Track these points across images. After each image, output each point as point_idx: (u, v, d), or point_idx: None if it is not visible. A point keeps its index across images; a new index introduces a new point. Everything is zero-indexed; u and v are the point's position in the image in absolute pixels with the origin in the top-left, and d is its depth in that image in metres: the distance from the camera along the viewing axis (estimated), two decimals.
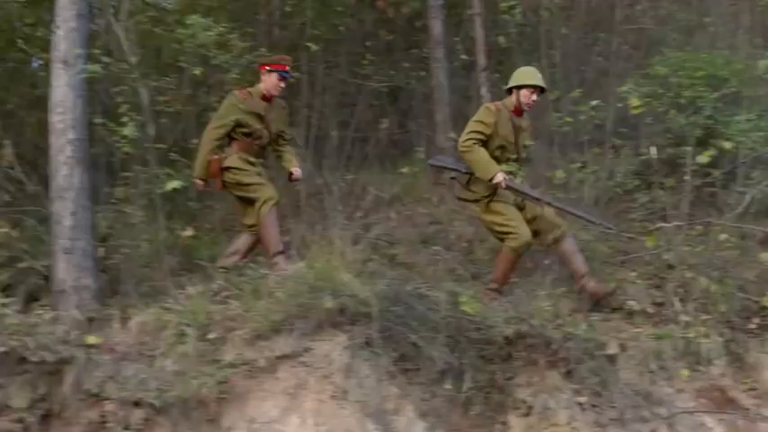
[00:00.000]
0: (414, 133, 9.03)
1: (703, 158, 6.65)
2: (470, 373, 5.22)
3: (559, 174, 6.84)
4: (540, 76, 6.10)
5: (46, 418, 5.15)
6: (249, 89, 6.26)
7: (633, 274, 6.12)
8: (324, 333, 5.16)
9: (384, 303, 5.23)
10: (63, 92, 5.77)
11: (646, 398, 5.23)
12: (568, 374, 5.22)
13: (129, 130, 5.51)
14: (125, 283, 5.72)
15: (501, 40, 9.10)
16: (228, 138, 6.21)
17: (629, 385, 5.29)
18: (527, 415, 5.13)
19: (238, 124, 6.14)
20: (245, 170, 6.11)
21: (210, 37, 6.19)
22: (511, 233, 5.87)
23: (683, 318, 5.70)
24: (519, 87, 6.08)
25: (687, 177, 6.30)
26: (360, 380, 5.08)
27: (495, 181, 5.87)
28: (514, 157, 6.13)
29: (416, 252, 7.07)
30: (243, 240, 6.25)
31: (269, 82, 6.22)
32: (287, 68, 6.23)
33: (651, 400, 5.23)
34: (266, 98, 6.25)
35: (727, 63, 7.56)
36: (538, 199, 5.98)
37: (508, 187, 5.91)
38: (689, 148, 6.58)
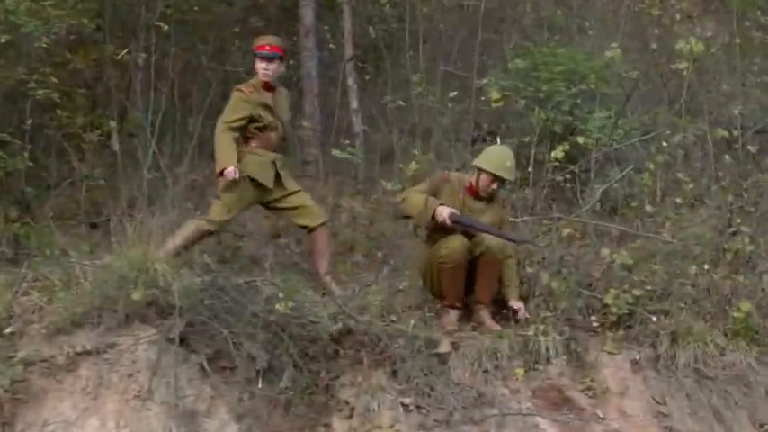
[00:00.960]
0: None
1: (557, 154, 6.51)
2: (292, 372, 4.87)
3: (413, 166, 6.57)
4: (508, 164, 5.52)
5: None
6: (252, 82, 5.94)
7: None
8: (131, 328, 4.76)
9: (198, 296, 4.86)
10: None
11: (477, 398, 4.98)
12: (395, 374, 4.93)
13: None
14: None
15: (370, 30, 8.82)
16: (244, 139, 5.86)
17: (461, 385, 5.02)
18: (350, 417, 4.81)
19: (251, 119, 5.80)
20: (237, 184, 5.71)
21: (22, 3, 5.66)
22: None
23: (524, 315, 5.49)
24: (481, 169, 5.55)
25: (530, 170, 6.11)
26: (168, 378, 4.69)
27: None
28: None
29: (264, 245, 6.74)
30: (316, 242, 5.95)
31: (257, 67, 5.91)
32: (265, 48, 5.84)
33: (483, 401, 4.98)
34: (268, 87, 5.92)
35: (587, 59, 7.45)
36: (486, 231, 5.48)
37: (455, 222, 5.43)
38: (534, 142, 6.45)
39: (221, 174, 5.63)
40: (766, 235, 6.44)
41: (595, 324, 5.66)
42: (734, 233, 6.41)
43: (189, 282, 4.93)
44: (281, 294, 4.90)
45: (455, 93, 7.25)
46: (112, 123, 7.10)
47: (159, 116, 6.98)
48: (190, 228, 5.74)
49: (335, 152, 7.14)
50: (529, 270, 5.73)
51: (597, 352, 5.44)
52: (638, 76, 7.62)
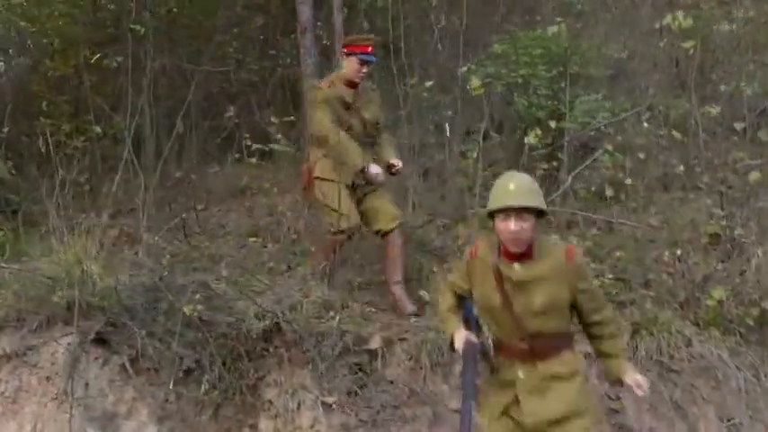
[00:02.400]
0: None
1: (531, 139, 6.26)
2: (218, 373, 4.75)
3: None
4: (512, 187, 3.37)
5: None
6: (331, 77, 5.73)
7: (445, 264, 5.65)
8: (52, 330, 4.72)
9: (120, 297, 4.78)
10: None
11: (410, 396, 4.76)
12: (322, 373, 4.74)
13: None
14: None
15: (365, 25, 8.69)
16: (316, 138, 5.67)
17: (394, 383, 4.81)
18: (275, 417, 4.66)
19: None
20: (331, 180, 5.54)
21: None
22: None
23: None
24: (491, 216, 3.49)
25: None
26: (87, 380, 4.64)
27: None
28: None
29: (236, 244, 6.67)
30: (387, 247, 5.59)
31: (350, 67, 5.59)
32: (369, 50, 5.55)
33: (417, 399, 4.75)
34: (351, 84, 5.62)
35: (572, 40, 7.13)
36: None
37: None
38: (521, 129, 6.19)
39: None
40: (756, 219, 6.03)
41: None
42: (725, 217, 6.04)
43: (113, 283, 4.84)
44: (197, 296, 4.76)
45: (431, 82, 7.00)
46: (97, 129, 7.15)
47: (135, 119, 6.98)
48: (325, 244, 5.61)
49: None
50: None
51: None
52: (627, 55, 7.23)
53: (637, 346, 5.15)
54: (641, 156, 6.40)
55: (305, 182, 5.70)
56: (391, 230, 5.48)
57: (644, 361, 5.12)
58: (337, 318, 4.91)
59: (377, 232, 5.58)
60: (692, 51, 7.05)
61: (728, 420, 5.03)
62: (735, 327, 5.37)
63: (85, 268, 4.91)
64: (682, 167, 6.56)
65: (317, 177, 5.59)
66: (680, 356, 5.18)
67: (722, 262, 5.65)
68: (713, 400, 5.10)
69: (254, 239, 6.68)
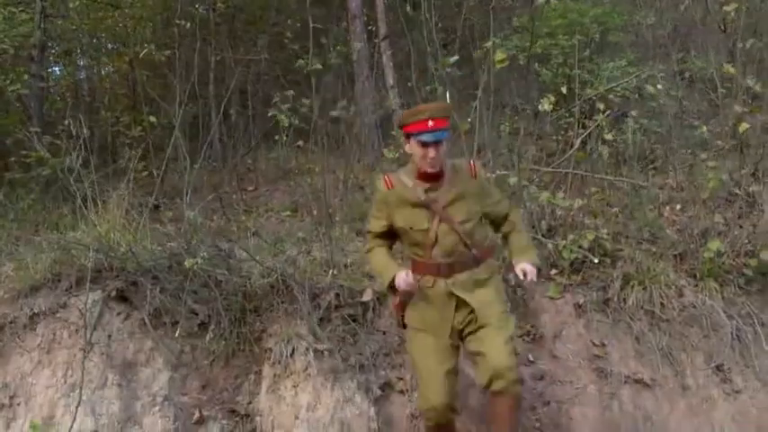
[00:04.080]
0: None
1: (545, 105, 6.45)
2: (227, 326, 5.21)
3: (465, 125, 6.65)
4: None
5: None
6: (403, 169, 4.15)
7: None
8: (81, 289, 5.28)
9: (143, 261, 5.32)
10: None
11: (401, 344, 5.09)
12: (319, 323, 5.14)
13: None
14: None
15: (408, 9, 9.01)
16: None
17: (386, 333, 5.17)
18: (275, 363, 5.10)
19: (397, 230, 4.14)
20: (413, 328, 4.19)
21: None
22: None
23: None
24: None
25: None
26: (110, 333, 5.19)
27: None
28: None
29: (275, 220, 7.17)
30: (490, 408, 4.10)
31: (414, 154, 3.97)
32: (428, 126, 3.81)
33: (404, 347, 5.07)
34: (427, 176, 3.96)
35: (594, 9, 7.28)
36: None
37: None
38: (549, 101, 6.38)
39: (392, 289, 4.12)
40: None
41: (553, 272, 5.56)
42: (752, 174, 6.11)
43: (135, 248, 5.39)
44: (203, 255, 5.24)
45: (456, 58, 7.26)
46: (152, 119, 7.78)
47: (182, 108, 7.54)
48: None
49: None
50: None
51: (540, 298, 5.37)
52: (655, 22, 7.31)
53: (626, 298, 5.30)
54: (666, 120, 6.48)
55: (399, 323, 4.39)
56: (496, 391, 3.91)
57: (633, 311, 5.27)
58: (332, 273, 5.27)
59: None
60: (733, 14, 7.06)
61: (717, 367, 5.11)
62: (733, 278, 5.43)
63: (113, 236, 5.46)
64: (706, 129, 6.59)
65: (404, 322, 4.29)
66: (671, 306, 5.30)
67: (723, 216, 5.69)
68: (702, 347, 5.20)
69: (289, 213, 7.15)
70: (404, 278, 3.97)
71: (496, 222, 4.27)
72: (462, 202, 4.01)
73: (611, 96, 6.69)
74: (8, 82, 6.75)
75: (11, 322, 5.32)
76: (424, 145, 3.88)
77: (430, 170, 3.93)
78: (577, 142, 6.29)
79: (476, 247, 4.08)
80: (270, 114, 7.20)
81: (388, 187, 4.07)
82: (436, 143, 3.88)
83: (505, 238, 4.30)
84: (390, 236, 4.22)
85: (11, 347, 5.26)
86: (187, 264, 5.08)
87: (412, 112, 3.93)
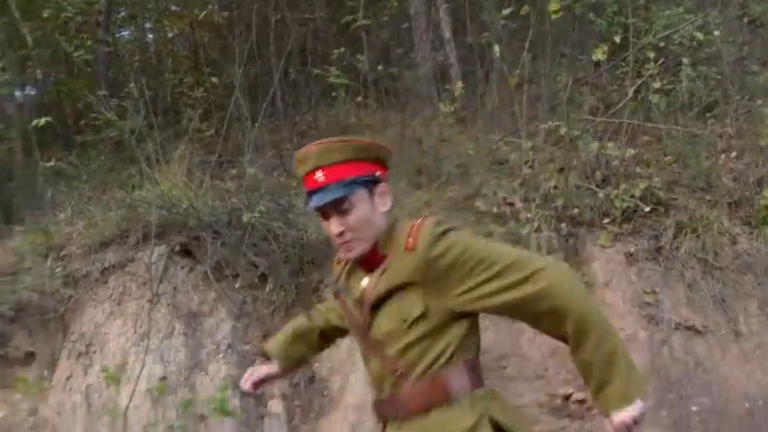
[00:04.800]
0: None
1: (599, 54, 6.44)
2: (286, 277, 5.42)
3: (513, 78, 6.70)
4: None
5: None
6: None
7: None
8: (148, 244, 5.54)
9: (204, 216, 5.55)
10: None
11: None
12: None
13: None
14: (14, 212, 6.38)
15: None
16: None
17: None
18: None
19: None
20: None
21: None
22: None
23: (525, 215, 5.59)
24: None
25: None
26: (176, 285, 5.45)
27: None
28: None
29: None
30: None
31: None
32: (317, 184, 2.26)
33: None
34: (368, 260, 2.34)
35: None
36: None
37: None
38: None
39: None
40: None
41: (605, 221, 5.61)
42: None
43: (198, 204, 5.62)
44: (260, 210, 5.43)
45: (510, 9, 7.26)
46: (213, 79, 7.99)
47: (242, 69, 7.72)
48: None
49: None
50: (525, 172, 5.76)
51: (591, 246, 5.42)
52: None
53: (678, 246, 5.32)
54: (724, 67, 6.41)
55: None
56: None
57: (686, 258, 5.29)
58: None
59: None
60: None
61: None
62: None
63: (175, 193, 5.70)
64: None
65: None
66: (724, 254, 5.30)
67: None
68: (756, 294, 5.21)
69: None
70: (247, 376, 2.77)
71: (527, 319, 2.27)
72: (394, 302, 2.25)
73: (666, 44, 6.62)
74: (74, 48, 7.01)
75: (84, 276, 5.62)
76: (320, 215, 2.32)
77: (343, 256, 2.37)
78: (631, 91, 6.26)
79: (418, 381, 2.24)
80: (316, 73, 7.35)
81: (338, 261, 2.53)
82: (336, 208, 2.24)
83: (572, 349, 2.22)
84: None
85: (85, 300, 5.56)
86: (245, 218, 5.28)
87: (296, 159, 2.34)
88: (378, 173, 2.29)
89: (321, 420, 5.18)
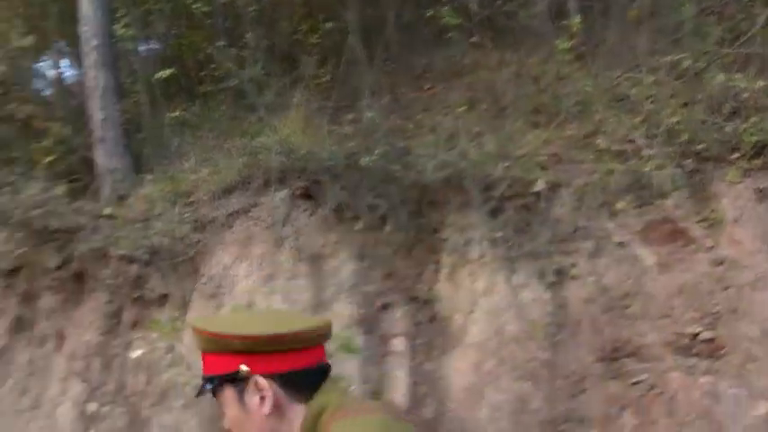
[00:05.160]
0: None
1: None
2: (405, 219, 5.49)
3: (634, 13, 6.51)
4: None
5: (76, 275, 6.27)
6: None
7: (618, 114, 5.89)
8: (270, 189, 5.70)
9: (324, 160, 5.65)
10: (86, 5, 6.74)
11: (574, 232, 5.18)
12: (492, 213, 5.30)
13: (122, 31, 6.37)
14: (144, 162, 6.66)
15: None
16: None
17: (560, 221, 5.25)
18: (451, 253, 5.33)
19: None
20: None
21: None
22: None
23: (647, 151, 5.47)
24: None
25: None
26: (298, 228, 5.59)
27: None
28: None
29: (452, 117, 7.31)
30: None
31: None
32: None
33: (580, 235, 5.16)
34: None
35: None
36: None
37: None
38: None
39: None
40: None
41: (734, 156, 5.41)
42: None
43: (317, 149, 5.72)
44: (378, 152, 5.48)
45: None
46: (328, 25, 8.05)
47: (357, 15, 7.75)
48: None
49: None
50: (648, 107, 5.59)
51: (719, 182, 5.25)
52: None
53: None
54: None
55: None
56: None
57: None
58: (505, 164, 5.39)
59: None
60: None
61: None
62: None
63: (294, 139, 5.82)
64: None
65: None
66: None
67: None
68: None
69: (464, 110, 7.25)
70: None
71: None
72: None
73: None
74: (193, 1, 7.18)
75: (210, 221, 5.83)
76: None
77: None
78: (762, 19, 5.97)
79: None
80: (430, 15, 7.27)
81: None
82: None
83: None
84: None
85: (213, 243, 5.79)
86: (363, 161, 5.35)
87: None
88: (242, 367, 1.80)
89: (443, 358, 5.26)
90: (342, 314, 5.35)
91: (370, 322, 5.34)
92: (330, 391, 1.81)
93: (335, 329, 5.04)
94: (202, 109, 7.25)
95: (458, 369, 5.21)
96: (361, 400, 2.09)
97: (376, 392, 5.25)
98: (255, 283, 5.48)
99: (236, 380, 1.80)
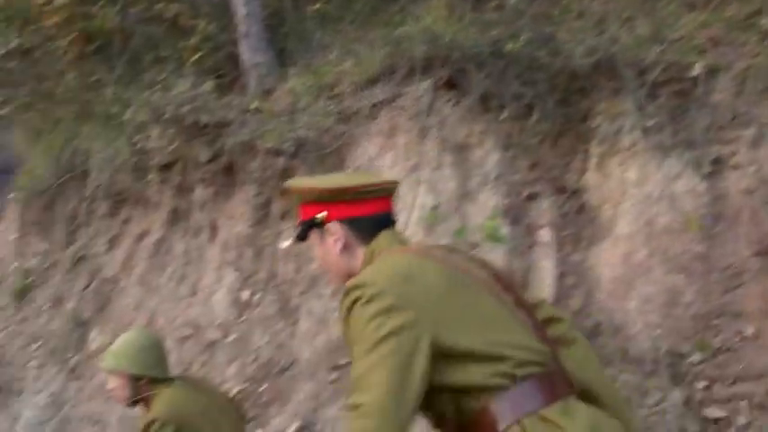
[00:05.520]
0: None
1: None
2: (552, 107, 5.34)
3: None
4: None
5: (226, 168, 6.49)
6: None
7: None
8: (414, 79, 5.65)
9: (468, 47, 5.53)
10: None
11: (734, 119, 4.91)
12: (645, 99, 5.08)
13: None
14: (287, 56, 6.72)
15: None
16: None
17: (718, 107, 4.98)
18: (601, 143, 5.17)
19: None
20: None
21: None
22: None
23: None
24: None
25: None
26: (443, 118, 5.54)
27: None
28: None
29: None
30: None
31: None
32: None
33: (740, 121, 4.89)
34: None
35: None
36: None
37: None
38: None
39: None
40: None
41: None
42: None
43: (461, 37, 5.60)
44: (524, 38, 5.30)
45: None
46: None
47: None
48: None
49: None
50: None
51: None
52: None
53: None
54: None
55: None
56: None
57: None
58: (659, 48, 5.12)
59: None
60: None
61: None
62: None
63: (437, 28, 5.71)
64: None
65: None
66: None
67: None
68: None
69: None
70: None
71: None
72: None
73: None
74: None
75: (355, 113, 5.86)
76: None
77: None
78: None
79: None
80: None
81: None
82: None
83: None
84: None
85: (357, 135, 5.83)
86: (508, 48, 5.20)
87: None
88: (322, 214, 2.25)
89: (591, 249, 5.16)
90: (487, 204, 5.32)
91: (515, 212, 5.28)
92: (386, 237, 2.21)
93: (480, 220, 5.03)
94: (343, 1, 7.20)
95: (606, 260, 5.10)
96: (409, 244, 2.32)
97: (522, 284, 5.23)
98: (400, 173, 5.49)
99: (316, 225, 2.24)
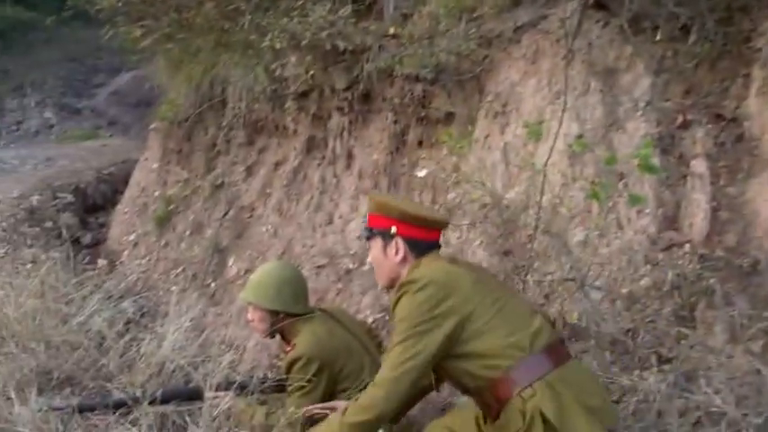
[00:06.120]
0: None
1: None
2: (711, 27, 4.97)
3: None
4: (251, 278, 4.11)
5: (363, 96, 6.41)
6: None
7: None
8: (559, 1, 5.36)
9: None
10: None
11: None
12: None
13: None
14: None
15: None
16: None
17: None
18: (765, 66, 4.78)
19: None
20: None
21: None
22: None
23: None
24: None
25: None
26: (590, 41, 5.25)
27: None
28: None
29: None
30: None
31: None
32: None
33: None
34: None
35: None
36: None
37: None
38: None
39: None
40: None
41: None
42: None
43: None
44: None
45: None
46: None
47: None
48: None
49: None
50: None
51: None
52: None
53: None
54: None
55: None
56: None
57: None
58: None
59: None
60: None
61: None
62: None
63: None
64: None
65: None
66: None
67: None
68: None
69: None
70: None
71: None
72: None
73: None
74: None
75: (497, 36, 5.63)
76: None
77: None
78: None
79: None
80: None
81: None
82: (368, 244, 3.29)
83: None
84: None
85: (499, 59, 5.61)
86: None
87: None
88: (393, 228, 3.01)
89: (750, 182, 4.81)
90: (636, 133, 5.02)
91: (667, 141, 4.97)
92: (428, 255, 2.99)
93: (628, 150, 4.76)
94: None
95: (766, 195, 4.75)
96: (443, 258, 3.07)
97: (672, 217, 4.95)
98: (544, 100, 5.27)
99: (386, 235, 3.02)
